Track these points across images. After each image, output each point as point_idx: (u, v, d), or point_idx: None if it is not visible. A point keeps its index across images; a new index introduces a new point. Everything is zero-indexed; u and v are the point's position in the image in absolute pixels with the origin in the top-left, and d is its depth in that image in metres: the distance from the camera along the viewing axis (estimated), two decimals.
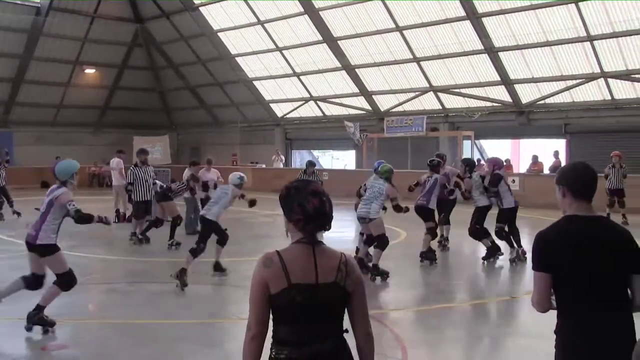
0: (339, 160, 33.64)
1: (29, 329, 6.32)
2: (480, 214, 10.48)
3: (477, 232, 10.47)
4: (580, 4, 18.30)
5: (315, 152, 33.57)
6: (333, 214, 2.64)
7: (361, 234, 9.94)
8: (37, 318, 6.32)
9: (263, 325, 2.57)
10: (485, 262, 10.30)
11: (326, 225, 2.62)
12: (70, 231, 14.14)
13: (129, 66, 32.28)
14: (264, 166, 28.22)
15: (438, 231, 11.28)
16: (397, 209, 9.24)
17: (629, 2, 17.69)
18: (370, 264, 9.20)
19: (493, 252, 10.44)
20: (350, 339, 2.64)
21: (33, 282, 6.46)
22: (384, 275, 9.14)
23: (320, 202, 2.58)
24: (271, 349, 2.60)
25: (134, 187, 12.49)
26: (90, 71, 31.29)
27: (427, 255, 10.26)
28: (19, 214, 15.56)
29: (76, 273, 6.61)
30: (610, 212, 14.64)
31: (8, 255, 11.19)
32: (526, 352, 6.13)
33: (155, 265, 10.50)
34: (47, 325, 6.37)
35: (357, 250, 10.07)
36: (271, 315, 2.60)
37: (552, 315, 2.93)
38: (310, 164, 15.05)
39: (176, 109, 34.91)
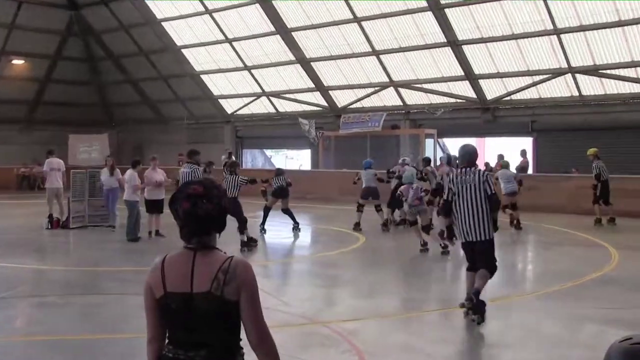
0: (293, 160, 33.65)
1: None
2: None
3: None
4: None
5: (268, 152, 33.45)
6: (220, 217, 2.63)
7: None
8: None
9: (156, 329, 2.64)
10: None
11: (204, 230, 2.61)
12: None
13: (62, 57, 31.65)
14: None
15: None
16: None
17: None
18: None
19: None
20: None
21: None
22: None
23: (192, 205, 2.58)
24: None
25: None
26: (18, 62, 30.59)
27: None
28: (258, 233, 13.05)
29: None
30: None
31: None
32: None
33: (91, 275, 10.30)
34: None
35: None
36: None
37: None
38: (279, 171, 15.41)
39: (116, 104, 34.39)
